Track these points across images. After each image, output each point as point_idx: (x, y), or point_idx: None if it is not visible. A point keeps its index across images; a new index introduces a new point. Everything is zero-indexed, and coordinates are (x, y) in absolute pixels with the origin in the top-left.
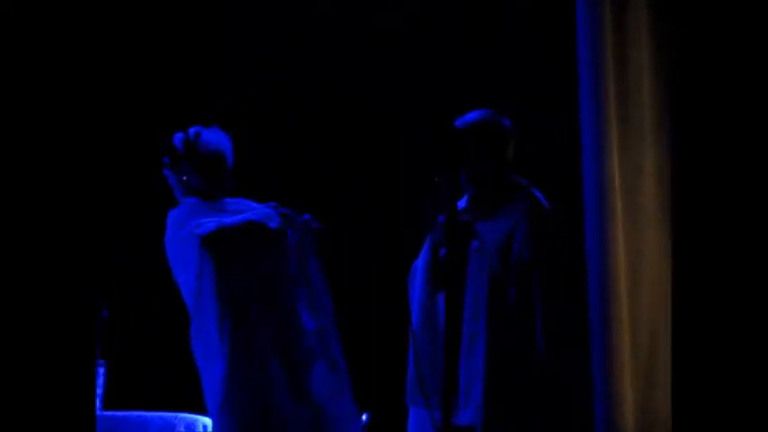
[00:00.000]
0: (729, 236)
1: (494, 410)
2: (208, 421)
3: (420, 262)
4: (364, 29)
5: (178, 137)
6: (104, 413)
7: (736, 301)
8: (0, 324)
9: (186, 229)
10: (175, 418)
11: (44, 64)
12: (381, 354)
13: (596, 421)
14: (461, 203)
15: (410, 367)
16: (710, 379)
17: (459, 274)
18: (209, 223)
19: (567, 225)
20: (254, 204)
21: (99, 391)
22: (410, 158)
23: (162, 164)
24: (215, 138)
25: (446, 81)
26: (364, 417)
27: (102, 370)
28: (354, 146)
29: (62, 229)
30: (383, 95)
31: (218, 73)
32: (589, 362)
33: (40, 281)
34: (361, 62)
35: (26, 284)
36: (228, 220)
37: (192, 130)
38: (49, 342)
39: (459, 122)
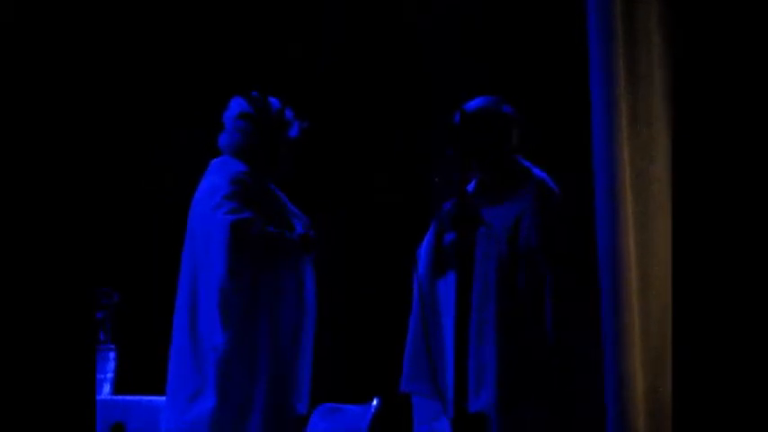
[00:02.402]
0: (738, 225)
1: (507, 396)
2: None
3: (424, 248)
4: (375, 19)
5: (276, 102)
6: (115, 398)
7: (743, 288)
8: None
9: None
10: None
11: (44, 67)
12: (391, 340)
13: (607, 406)
14: (469, 189)
15: (406, 354)
16: (713, 367)
17: (466, 261)
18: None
19: (577, 209)
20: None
21: (110, 375)
22: (420, 146)
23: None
24: (241, 104)
25: (456, 72)
26: (375, 402)
27: (112, 355)
28: (365, 133)
29: (61, 217)
30: (394, 86)
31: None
32: (598, 346)
33: (39, 270)
34: (373, 54)
35: (25, 273)
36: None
37: (287, 107)
38: (48, 329)
39: (462, 109)
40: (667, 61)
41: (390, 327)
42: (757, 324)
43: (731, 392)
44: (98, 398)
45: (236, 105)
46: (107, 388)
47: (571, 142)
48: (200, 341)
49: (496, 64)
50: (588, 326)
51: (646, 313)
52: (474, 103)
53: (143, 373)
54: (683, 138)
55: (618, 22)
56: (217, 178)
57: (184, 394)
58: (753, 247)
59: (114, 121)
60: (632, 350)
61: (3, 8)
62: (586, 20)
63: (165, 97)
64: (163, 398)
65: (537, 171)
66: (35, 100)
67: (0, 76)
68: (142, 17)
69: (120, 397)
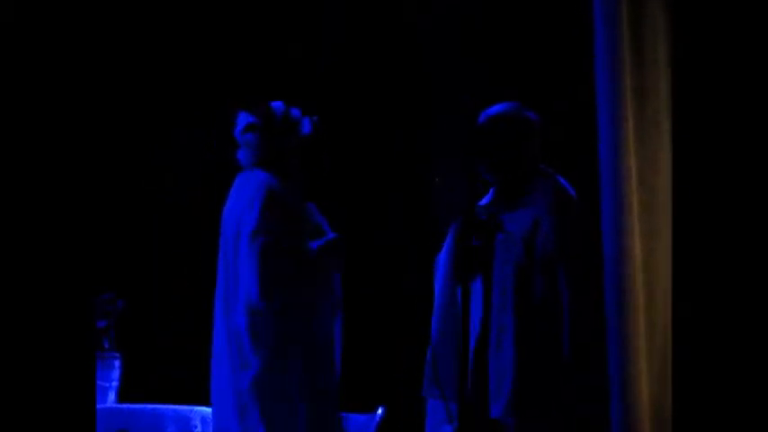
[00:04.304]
0: (744, 234)
1: (525, 404)
2: None
3: (443, 254)
4: (375, 19)
5: (279, 106)
6: (120, 406)
7: (748, 297)
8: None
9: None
10: (191, 411)
11: (44, 68)
12: (399, 346)
13: (612, 416)
14: (488, 196)
15: (428, 359)
16: (716, 375)
17: (485, 267)
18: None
19: (593, 214)
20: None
21: (115, 383)
22: (420, 146)
23: (252, 127)
24: (244, 117)
25: (456, 72)
26: (379, 411)
27: (117, 363)
28: (380, 140)
29: (62, 223)
30: (394, 87)
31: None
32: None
33: (39, 275)
34: (373, 55)
35: (24, 280)
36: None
37: (292, 108)
38: (47, 335)
39: (483, 115)
40: (674, 70)
41: (396, 334)
42: (761, 331)
43: (734, 400)
44: (103, 406)
45: (241, 120)
46: (112, 396)
47: (575, 147)
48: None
49: (497, 64)
50: (605, 331)
51: (651, 322)
52: (495, 109)
53: (148, 380)
54: (686, 148)
55: (624, 25)
56: (245, 193)
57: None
58: (757, 256)
59: (114, 124)
60: (637, 361)
61: (3, 8)
62: (591, 22)
63: (165, 98)
64: (167, 405)
65: (557, 177)
66: (35, 101)
67: (0, 76)
68: (142, 17)
69: (125, 405)
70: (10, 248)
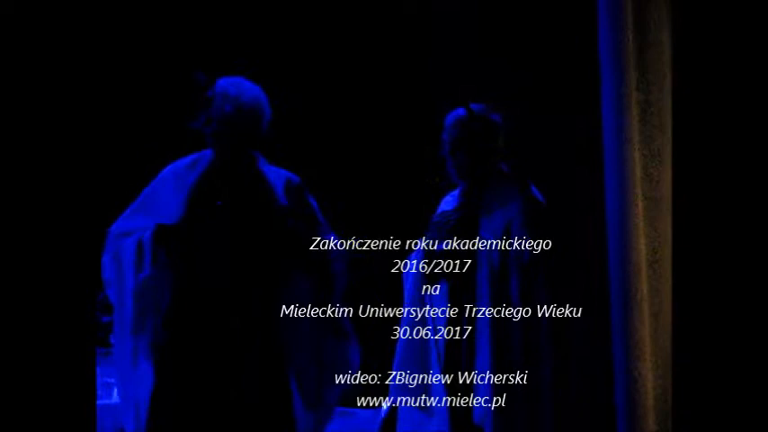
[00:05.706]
0: (743, 228)
1: (499, 407)
2: None
3: (413, 257)
4: (386, 22)
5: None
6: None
7: (752, 289)
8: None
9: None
10: None
11: (44, 66)
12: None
13: (617, 404)
14: (453, 197)
15: (395, 364)
16: (719, 369)
17: (459, 270)
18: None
19: (563, 216)
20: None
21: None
22: (420, 146)
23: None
24: (227, 88)
25: (463, 73)
26: (385, 406)
27: None
28: (379, 140)
29: (64, 220)
30: (406, 90)
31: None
32: (592, 352)
33: (42, 271)
34: (382, 58)
35: (28, 275)
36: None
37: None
38: (50, 331)
39: (448, 117)
40: (678, 60)
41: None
42: (761, 326)
43: (733, 396)
44: (107, 402)
45: None
46: (116, 392)
47: (575, 147)
48: None
49: (496, 64)
50: (580, 330)
51: (656, 315)
52: (460, 112)
53: None
54: (689, 146)
55: (629, 21)
56: None
57: None
58: (758, 254)
59: (114, 120)
60: (642, 349)
61: (3, 6)
62: (595, 19)
63: (164, 97)
64: None
65: (523, 180)
66: (35, 100)
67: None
68: (143, 17)
69: None
70: (13, 246)
